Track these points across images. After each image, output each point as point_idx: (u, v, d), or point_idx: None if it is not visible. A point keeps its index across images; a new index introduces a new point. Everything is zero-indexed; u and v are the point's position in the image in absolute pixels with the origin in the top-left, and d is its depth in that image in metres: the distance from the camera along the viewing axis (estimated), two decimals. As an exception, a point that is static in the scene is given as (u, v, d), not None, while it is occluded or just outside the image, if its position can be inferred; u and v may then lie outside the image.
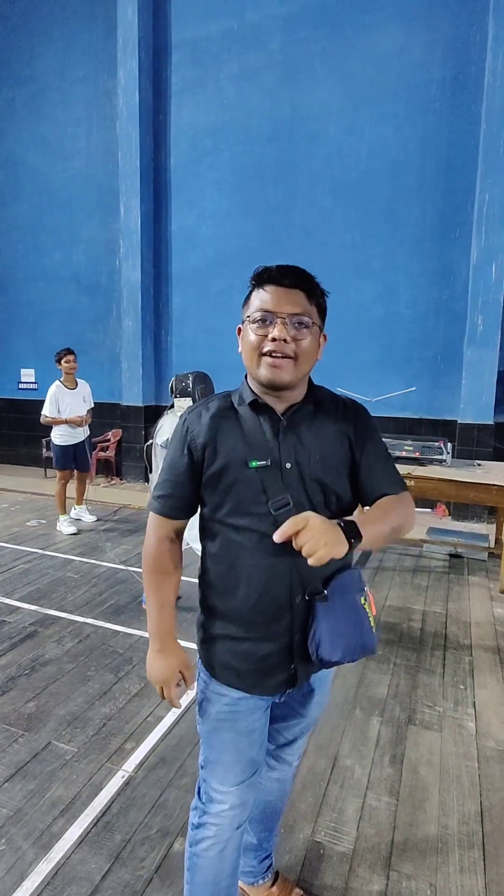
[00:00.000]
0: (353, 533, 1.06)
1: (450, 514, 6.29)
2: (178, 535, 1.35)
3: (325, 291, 1.24)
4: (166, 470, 1.30)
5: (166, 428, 3.38)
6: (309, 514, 1.04)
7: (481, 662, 3.16)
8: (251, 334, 1.18)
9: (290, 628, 1.24)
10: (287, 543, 1.11)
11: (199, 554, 1.37)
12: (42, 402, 5.51)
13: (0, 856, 1.85)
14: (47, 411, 5.41)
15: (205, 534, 1.31)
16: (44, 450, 7.84)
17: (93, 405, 5.74)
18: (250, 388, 1.25)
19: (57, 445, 5.53)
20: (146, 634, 2.74)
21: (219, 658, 1.30)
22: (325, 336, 1.26)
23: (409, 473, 4.21)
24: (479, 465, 4.74)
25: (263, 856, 1.66)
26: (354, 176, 6.53)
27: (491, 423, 6.02)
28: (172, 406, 3.47)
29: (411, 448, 4.61)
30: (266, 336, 1.16)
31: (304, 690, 1.38)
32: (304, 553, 1.01)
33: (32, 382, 8.77)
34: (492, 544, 4.95)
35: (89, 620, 3.58)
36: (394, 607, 3.85)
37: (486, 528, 5.75)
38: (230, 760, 1.30)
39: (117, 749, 2.38)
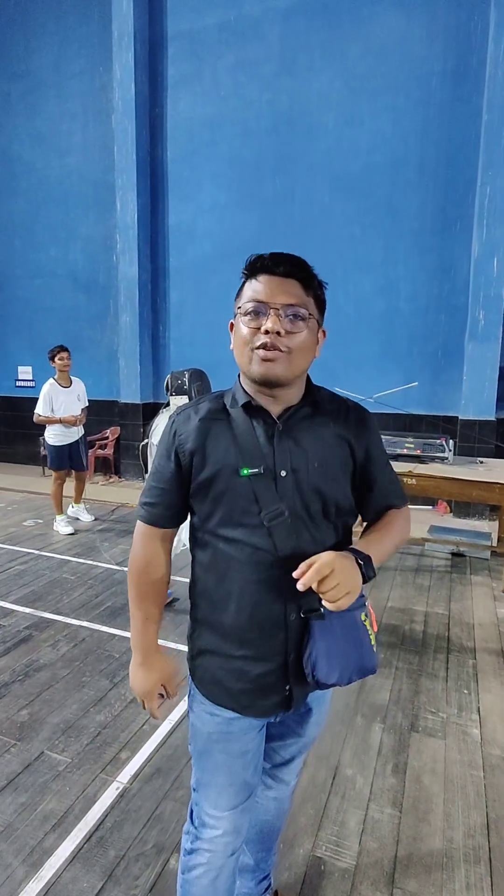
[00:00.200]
0: (369, 571, 1.06)
1: (451, 512, 6.23)
2: (167, 543, 1.26)
3: (324, 282, 1.15)
4: (153, 476, 1.22)
5: (161, 427, 3.31)
6: (333, 559, 1.00)
7: (485, 665, 3.09)
8: (243, 328, 1.10)
9: (285, 647, 1.15)
10: (281, 557, 1.05)
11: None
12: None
13: (-12, 874, 1.79)
14: (41, 410, 5.32)
15: (194, 543, 1.22)
16: (41, 448, 7.75)
17: (87, 404, 5.65)
18: (243, 388, 1.16)
19: (51, 445, 5.45)
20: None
21: (210, 675, 1.22)
22: (324, 332, 1.17)
23: (410, 471, 4.13)
24: (482, 462, 4.66)
25: (261, 877, 1.59)
26: (354, 169, 6.43)
27: (493, 419, 5.94)
28: (168, 404, 3.40)
29: (412, 446, 4.53)
30: (259, 329, 1.07)
31: (301, 710, 1.29)
32: (324, 599, 1.00)
33: (29, 380, 8.69)
34: (494, 543, 4.88)
35: (85, 623, 3.51)
36: (395, 608, 3.78)
37: (489, 526, 5.68)
38: (223, 783, 1.23)
39: (112, 759, 2.32)
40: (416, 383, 5.86)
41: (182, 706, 2.62)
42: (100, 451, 7.77)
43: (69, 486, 5.65)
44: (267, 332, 1.06)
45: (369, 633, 1.14)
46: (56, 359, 5.36)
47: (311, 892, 1.74)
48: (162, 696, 1.27)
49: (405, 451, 4.49)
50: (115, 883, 1.76)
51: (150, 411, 7.24)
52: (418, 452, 4.46)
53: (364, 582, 1.05)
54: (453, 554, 4.88)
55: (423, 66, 6.04)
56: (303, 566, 1.00)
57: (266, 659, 1.16)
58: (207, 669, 1.22)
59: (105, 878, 1.78)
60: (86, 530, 5.49)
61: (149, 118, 7.36)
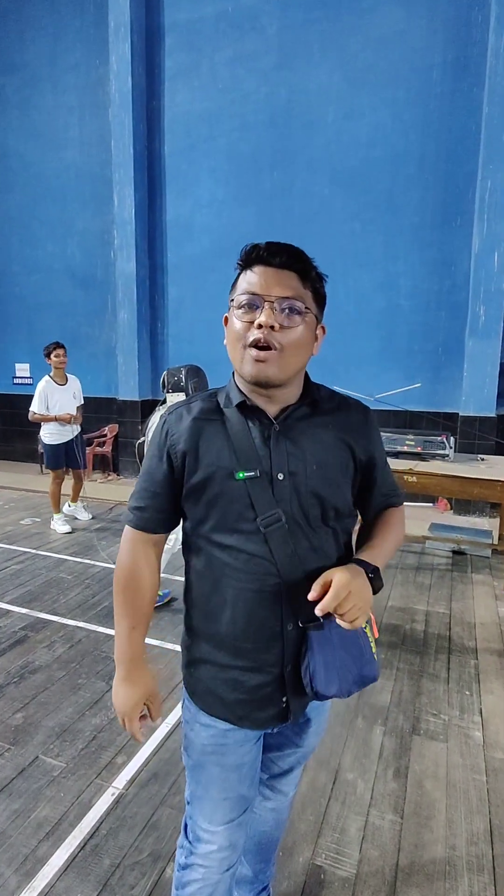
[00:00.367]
0: (378, 582, 1.04)
1: (451, 509, 6.18)
2: (157, 548, 1.20)
3: (324, 275, 1.09)
4: (143, 478, 1.16)
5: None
6: (348, 581, 0.97)
7: (487, 666, 3.05)
8: (236, 322, 1.03)
9: (282, 658, 1.10)
10: (278, 565, 1.00)
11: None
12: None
13: (-20, 884, 1.75)
14: (36, 408, 5.25)
15: (188, 548, 1.17)
16: (39, 446, 7.70)
17: (83, 401, 5.58)
18: (238, 387, 1.11)
19: (47, 444, 5.39)
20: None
21: (204, 685, 1.17)
22: (323, 328, 1.11)
23: (410, 469, 4.08)
24: (483, 459, 4.61)
25: (259, 888, 1.55)
26: (353, 163, 6.36)
27: (493, 415, 5.89)
28: (164, 401, 3.34)
29: (413, 443, 4.48)
30: (252, 323, 1.01)
31: (299, 721, 1.25)
32: (340, 620, 0.98)
33: (27, 377, 8.62)
34: (495, 541, 4.83)
35: (81, 624, 3.46)
36: (396, 608, 3.74)
37: (489, 523, 5.63)
38: (218, 797, 1.18)
39: (108, 763, 2.27)
40: (420, 384, 5.81)
41: (171, 719, 2.58)
42: (98, 449, 7.72)
43: (67, 485, 5.60)
44: (260, 327, 1.00)
45: (370, 639, 1.09)
46: (52, 356, 5.29)
47: (311, 903, 1.70)
48: (144, 716, 1.19)
49: (405, 449, 4.44)
50: (110, 893, 1.72)
51: (149, 408, 7.17)
52: (419, 450, 4.41)
53: (373, 594, 1.03)
54: (454, 552, 4.84)
55: (423, 59, 5.96)
56: (317, 587, 0.98)
57: (262, 670, 1.11)
58: (201, 679, 1.17)
59: (100, 888, 1.73)
60: (83, 529, 5.44)
61: (146, 111, 7.27)
